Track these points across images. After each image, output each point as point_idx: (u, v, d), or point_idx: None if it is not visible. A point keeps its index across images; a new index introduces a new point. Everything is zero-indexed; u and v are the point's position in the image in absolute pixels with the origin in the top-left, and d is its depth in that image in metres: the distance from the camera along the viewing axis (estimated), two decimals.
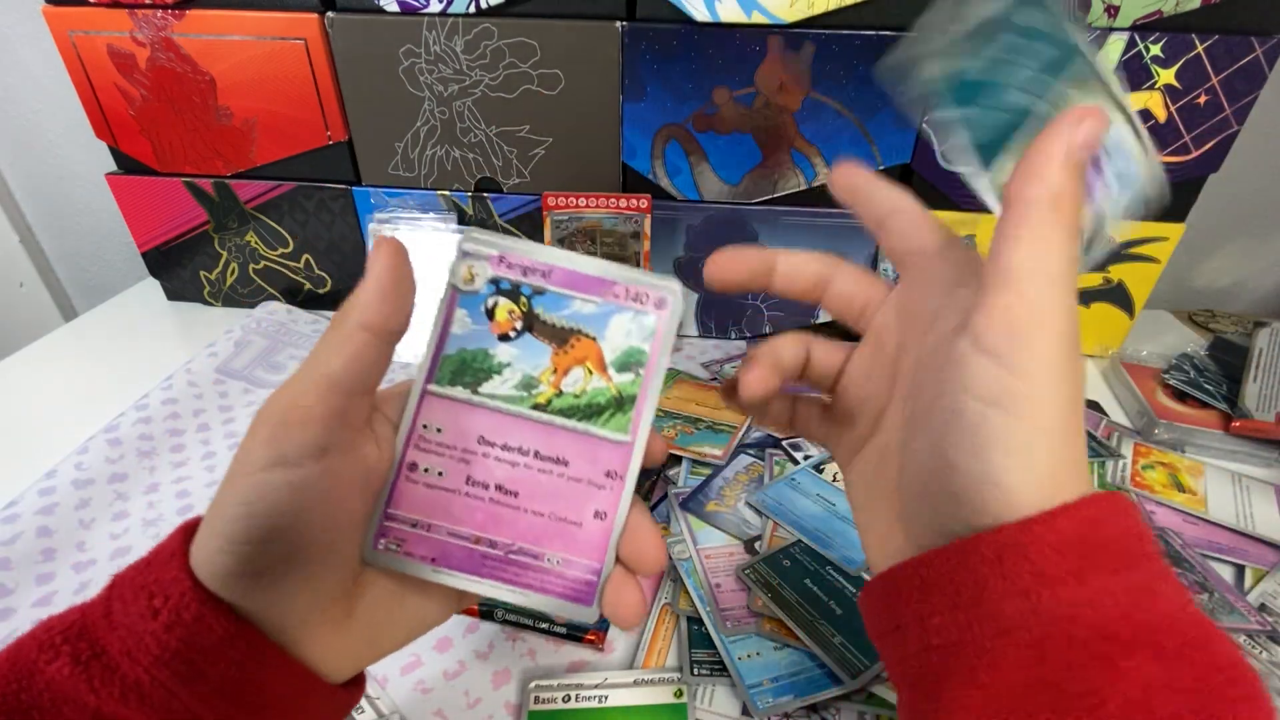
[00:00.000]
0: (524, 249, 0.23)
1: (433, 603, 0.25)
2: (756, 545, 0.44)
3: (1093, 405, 0.62)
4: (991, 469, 0.19)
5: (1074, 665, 0.17)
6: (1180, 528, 0.49)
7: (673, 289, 0.23)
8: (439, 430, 0.23)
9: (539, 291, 0.23)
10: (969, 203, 0.62)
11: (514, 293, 0.23)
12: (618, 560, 0.23)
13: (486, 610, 0.40)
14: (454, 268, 0.23)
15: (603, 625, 0.40)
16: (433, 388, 0.23)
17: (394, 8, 0.57)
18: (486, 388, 0.23)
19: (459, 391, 0.23)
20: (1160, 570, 0.18)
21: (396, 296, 0.22)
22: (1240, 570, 0.46)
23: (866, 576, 0.41)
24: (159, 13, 0.58)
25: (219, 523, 0.20)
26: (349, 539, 0.22)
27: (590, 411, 0.23)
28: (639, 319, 0.23)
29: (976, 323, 0.19)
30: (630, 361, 0.23)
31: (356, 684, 0.25)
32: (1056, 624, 0.17)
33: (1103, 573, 0.18)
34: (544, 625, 0.40)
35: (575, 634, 0.39)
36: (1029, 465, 0.19)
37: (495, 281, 0.23)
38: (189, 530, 0.21)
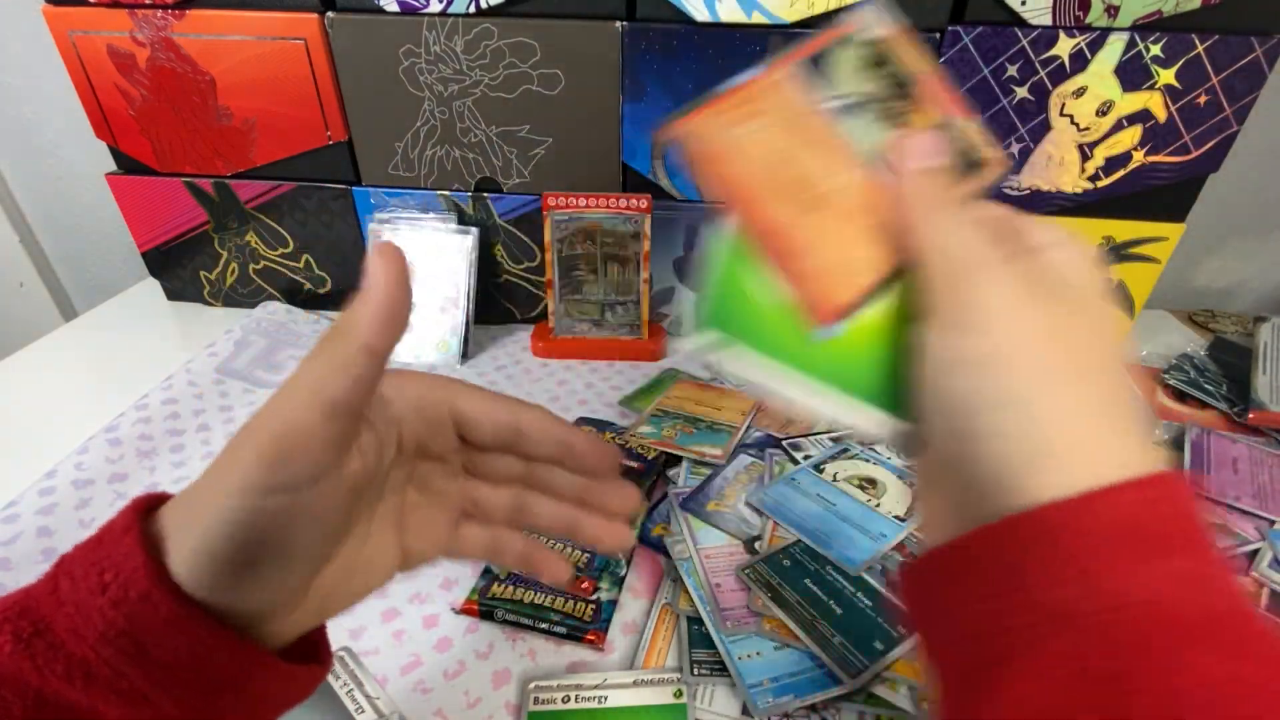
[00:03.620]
0: None
1: (377, 568, 0.25)
2: (756, 545, 0.44)
3: None
4: (993, 433, 0.19)
5: (1126, 656, 0.16)
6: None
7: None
8: None
9: None
10: None
11: None
12: None
13: (487, 610, 0.40)
14: None
15: (602, 625, 0.40)
16: None
17: (394, 8, 0.57)
18: None
19: None
20: (1216, 558, 0.18)
21: (401, 315, 0.21)
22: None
23: (866, 576, 0.41)
24: (159, 13, 0.58)
25: (199, 531, 0.19)
26: (329, 543, 0.22)
27: None
28: None
29: (924, 307, 0.22)
30: None
31: (317, 661, 0.24)
32: (1102, 613, 0.17)
33: (1155, 559, 0.17)
34: (544, 625, 0.40)
35: (575, 634, 0.39)
36: (1030, 423, 0.18)
37: None
38: (141, 507, 0.21)
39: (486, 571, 0.43)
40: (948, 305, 0.21)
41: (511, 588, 0.42)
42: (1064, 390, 0.19)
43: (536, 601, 0.41)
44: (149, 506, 0.21)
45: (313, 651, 0.24)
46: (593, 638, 0.39)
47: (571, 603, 0.41)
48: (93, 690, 0.19)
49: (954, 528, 0.21)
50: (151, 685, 0.19)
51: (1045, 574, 0.17)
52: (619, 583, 0.43)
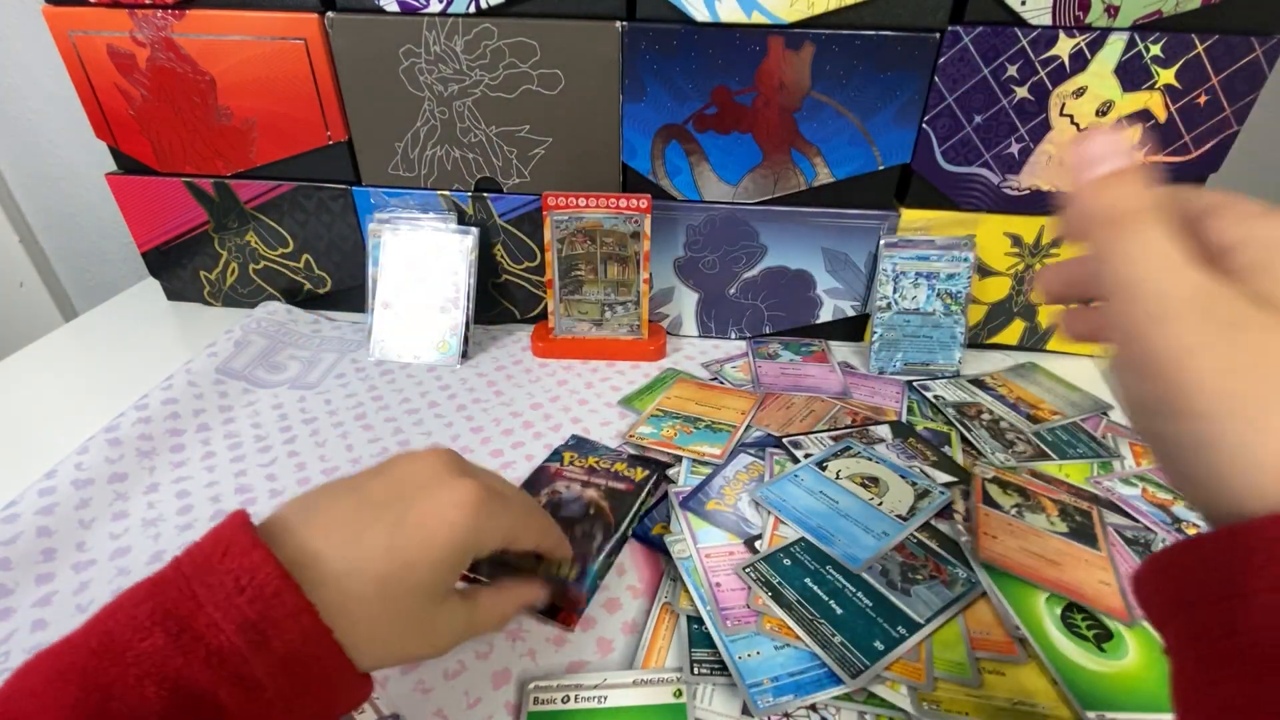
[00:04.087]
0: None
1: (478, 616, 0.33)
2: (757, 544, 0.44)
3: (1100, 404, 0.62)
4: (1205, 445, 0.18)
5: None
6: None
7: None
8: None
9: None
10: (969, 203, 0.62)
11: None
12: None
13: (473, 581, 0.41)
14: None
15: (575, 608, 0.41)
16: None
17: (394, 8, 0.57)
18: None
19: None
20: None
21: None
22: None
23: (867, 576, 0.41)
24: (159, 13, 0.58)
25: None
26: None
27: None
28: None
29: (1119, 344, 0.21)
30: None
31: (369, 678, 0.29)
32: None
33: None
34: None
35: (550, 611, 0.41)
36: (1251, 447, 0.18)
37: None
38: (248, 521, 0.27)
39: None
40: (1138, 354, 0.20)
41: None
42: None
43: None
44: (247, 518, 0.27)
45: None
46: (564, 618, 0.40)
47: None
48: (221, 673, 0.23)
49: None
50: (266, 671, 0.24)
51: (1252, 586, 0.17)
52: (606, 570, 0.43)
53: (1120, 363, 0.21)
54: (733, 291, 0.69)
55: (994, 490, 0.49)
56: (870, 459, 0.51)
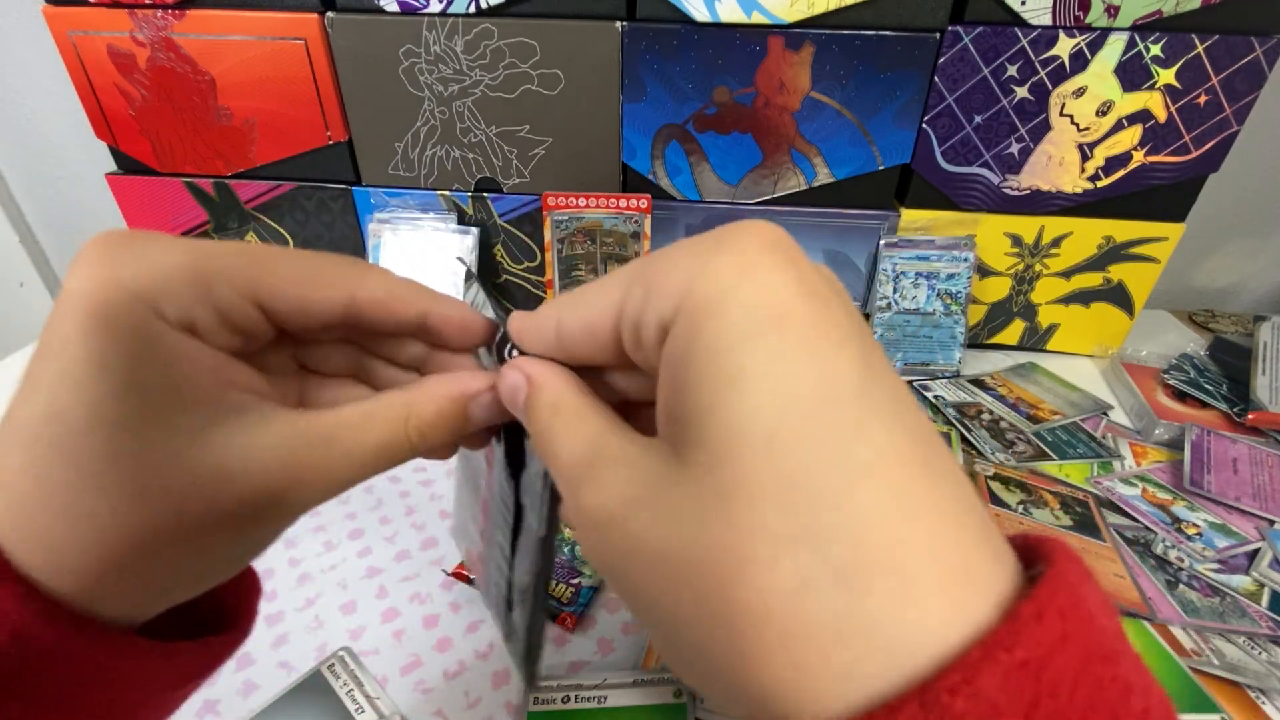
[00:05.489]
0: None
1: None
2: None
3: (1100, 404, 0.62)
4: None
5: None
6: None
7: None
8: None
9: None
10: (969, 203, 0.62)
11: None
12: None
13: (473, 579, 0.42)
14: None
15: (578, 609, 0.41)
16: None
17: (394, 8, 0.57)
18: None
19: None
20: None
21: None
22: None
23: None
24: (159, 13, 0.58)
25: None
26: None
27: None
28: None
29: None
30: None
31: (219, 630, 0.21)
32: None
33: None
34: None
35: (550, 614, 0.40)
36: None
37: None
38: None
39: None
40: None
41: None
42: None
43: None
44: None
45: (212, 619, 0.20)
46: (565, 618, 0.40)
47: (553, 584, 0.41)
48: None
49: None
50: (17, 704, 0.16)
51: None
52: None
53: None
54: None
55: (997, 488, 0.50)
56: None
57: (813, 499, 0.13)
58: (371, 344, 0.23)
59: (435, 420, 0.20)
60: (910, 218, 0.64)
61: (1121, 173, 0.60)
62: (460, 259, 0.64)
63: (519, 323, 0.20)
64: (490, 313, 0.23)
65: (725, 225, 0.16)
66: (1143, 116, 0.57)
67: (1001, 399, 0.61)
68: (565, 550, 0.44)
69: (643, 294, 0.16)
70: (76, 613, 0.16)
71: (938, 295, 0.65)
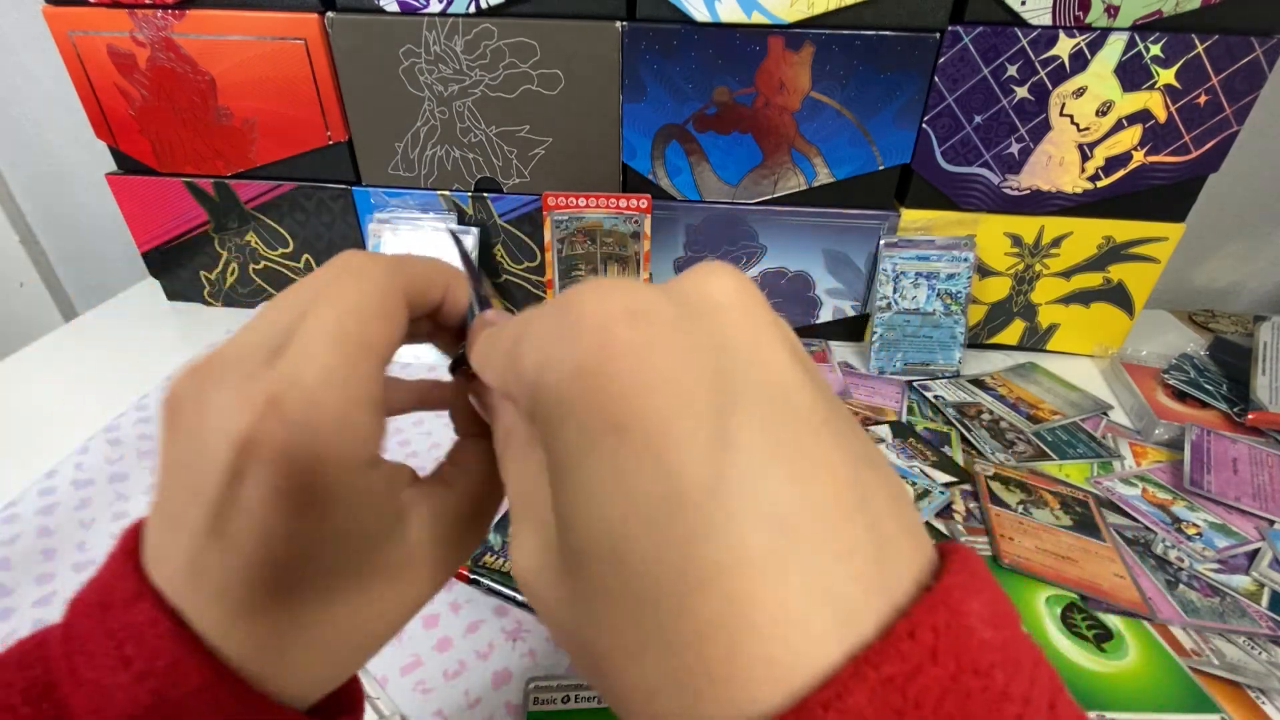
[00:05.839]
0: None
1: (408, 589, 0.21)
2: None
3: (1100, 404, 0.62)
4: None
5: None
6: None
7: None
8: None
9: None
10: (969, 203, 0.62)
11: None
12: None
13: (475, 579, 0.42)
14: None
15: None
16: None
17: (394, 8, 0.57)
18: None
19: None
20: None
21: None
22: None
23: None
24: (159, 13, 0.58)
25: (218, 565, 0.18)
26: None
27: None
28: None
29: None
30: None
31: (349, 712, 0.22)
32: None
33: None
34: (523, 598, 0.41)
35: None
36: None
37: None
38: (133, 547, 0.19)
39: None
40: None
41: (502, 560, 0.43)
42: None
43: None
44: (139, 541, 0.19)
45: (343, 702, 0.21)
46: None
47: None
48: None
49: None
50: None
51: None
52: None
53: None
54: None
55: (998, 488, 0.50)
56: None
57: (657, 612, 0.13)
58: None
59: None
60: (910, 218, 0.64)
61: (1121, 173, 0.60)
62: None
63: (477, 357, 0.21)
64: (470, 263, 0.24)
65: (579, 288, 0.15)
66: (1143, 116, 0.57)
67: (1001, 399, 0.61)
68: None
69: (513, 377, 0.17)
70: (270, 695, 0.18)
71: (938, 295, 0.65)
